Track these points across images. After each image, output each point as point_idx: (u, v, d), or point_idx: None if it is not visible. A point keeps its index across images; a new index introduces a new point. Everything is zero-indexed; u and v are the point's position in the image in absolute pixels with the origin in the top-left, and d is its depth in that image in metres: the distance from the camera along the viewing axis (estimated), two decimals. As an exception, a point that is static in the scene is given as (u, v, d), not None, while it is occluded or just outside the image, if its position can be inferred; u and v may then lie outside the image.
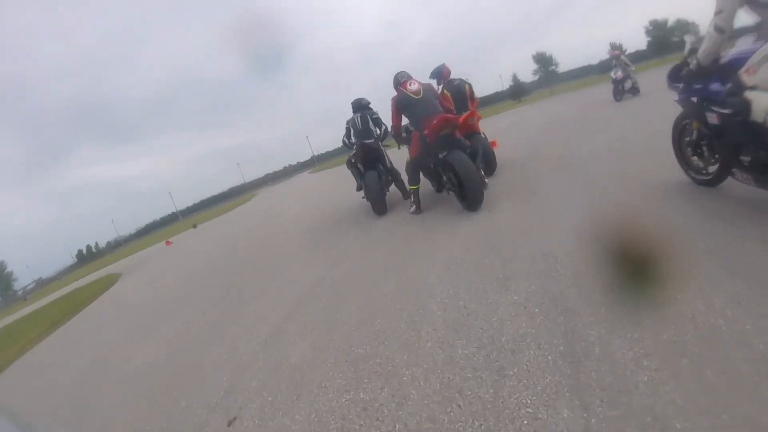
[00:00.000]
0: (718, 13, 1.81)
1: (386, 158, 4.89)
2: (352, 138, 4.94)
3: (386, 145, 5.18)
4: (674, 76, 2.42)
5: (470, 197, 3.42)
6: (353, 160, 4.81)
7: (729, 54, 1.94)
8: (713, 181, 2.32)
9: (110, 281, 11.08)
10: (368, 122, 4.86)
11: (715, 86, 2.00)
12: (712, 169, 2.30)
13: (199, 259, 7.87)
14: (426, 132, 3.58)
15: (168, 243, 17.22)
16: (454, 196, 3.79)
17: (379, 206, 4.64)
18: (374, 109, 5.10)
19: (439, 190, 4.40)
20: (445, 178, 3.72)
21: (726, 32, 1.83)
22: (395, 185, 5.06)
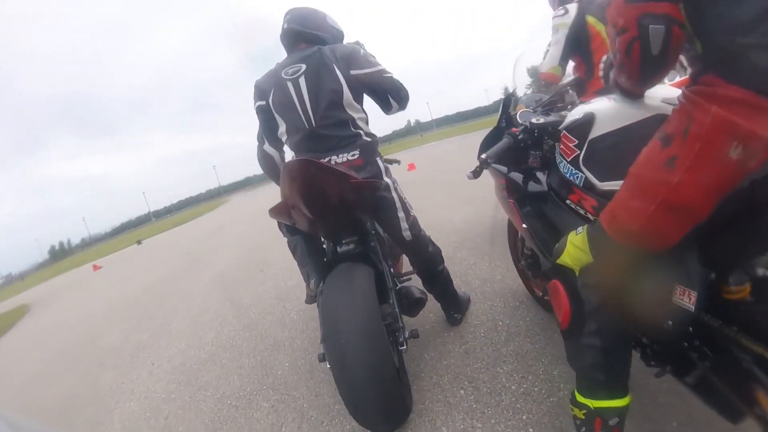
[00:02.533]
0: None
1: (397, 206, 1.43)
2: (281, 137, 1.44)
3: (391, 161, 1.84)
4: None
5: None
6: (286, 222, 1.31)
7: None
8: None
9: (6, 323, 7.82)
10: (335, 84, 1.31)
11: None
12: None
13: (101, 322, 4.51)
14: None
15: (95, 267, 13.91)
16: None
17: (384, 412, 1.13)
18: (349, 42, 1.51)
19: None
20: None
21: None
22: (429, 291, 1.61)
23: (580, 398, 0.87)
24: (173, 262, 7.47)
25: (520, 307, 1.74)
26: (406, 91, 1.47)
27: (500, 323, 1.66)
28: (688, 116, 0.62)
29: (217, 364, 2.17)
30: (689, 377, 0.83)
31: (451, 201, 4.38)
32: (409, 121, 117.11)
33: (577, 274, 0.86)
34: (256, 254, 4.96)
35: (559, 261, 0.90)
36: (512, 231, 1.69)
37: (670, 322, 0.80)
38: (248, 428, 1.53)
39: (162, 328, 3.29)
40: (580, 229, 0.87)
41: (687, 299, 0.74)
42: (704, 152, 0.59)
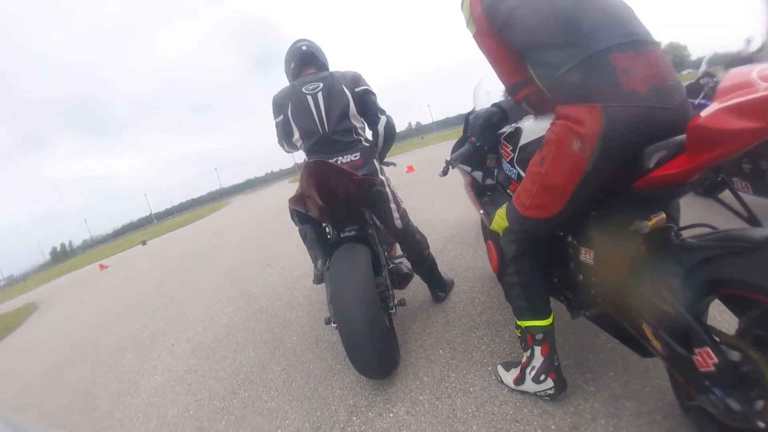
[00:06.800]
0: None
1: (389, 199, 1.76)
2: (297, 143, 1.79)
3: (388, 163, 2.18)
4: None
5: None
6: (301, 210, 1.61)
7: None
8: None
9: (10, 323, 7.99)
10: (344, 99, 1.66)
11: None
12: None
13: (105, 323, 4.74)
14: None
15: (102, 267, 14.15)
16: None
17: (378, 360, 1.43)
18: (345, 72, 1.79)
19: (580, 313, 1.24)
20: None
21: None
22: (417, 272, 1.94)
23: (517, 321, 1.22)
24: (181, 261, 7.74)
25: (495, 287, 2.03)
26: (392, 122, 1.85)
27: (477, 300, 1.96)
28: (551, 130, 0.97)
29: (233, 341, 2.46)
30: (589, 311, 1.12)
31: (445, 201, 4.67)
32: (410, 124, 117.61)
33: (501, 235, 1.19)
34: (262, 252, 5.25)
35: (491, 228, 1.24)
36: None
37: (581, 277, 1.09)
38: (263, 387, 1.82)
39: (177, 316, 3.57)
40: (504, 205, 1.20)
41: (589, 257, 1.04)
42: (558, 150, 0.94)
